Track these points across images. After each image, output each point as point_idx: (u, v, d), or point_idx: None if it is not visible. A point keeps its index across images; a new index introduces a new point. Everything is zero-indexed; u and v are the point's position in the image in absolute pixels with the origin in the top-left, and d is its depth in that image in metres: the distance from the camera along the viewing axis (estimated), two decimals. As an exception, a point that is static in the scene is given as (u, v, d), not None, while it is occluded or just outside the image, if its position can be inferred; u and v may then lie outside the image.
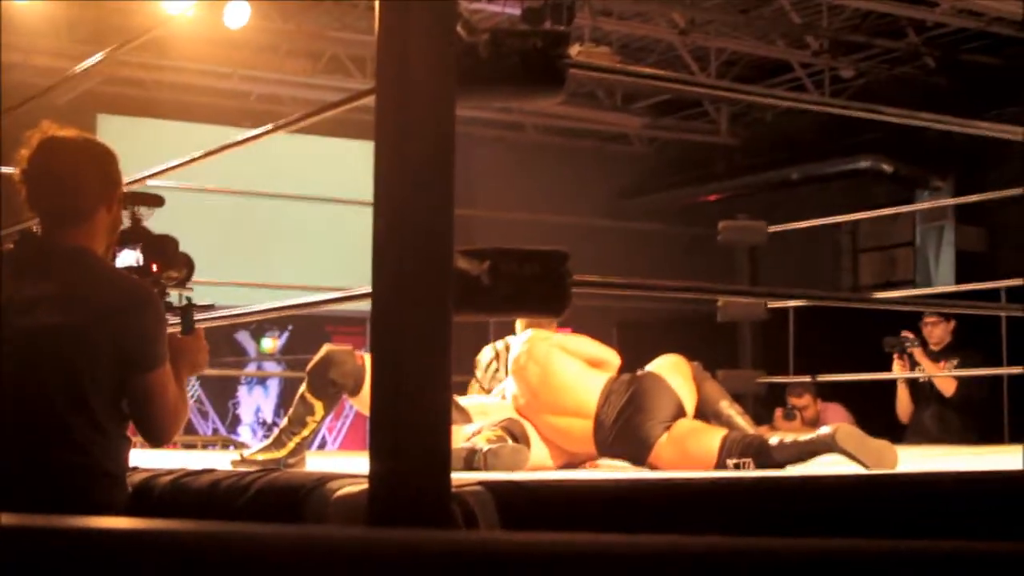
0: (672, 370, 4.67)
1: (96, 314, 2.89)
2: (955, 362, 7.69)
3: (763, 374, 7.18)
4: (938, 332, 7.85)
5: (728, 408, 4.71)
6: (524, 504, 2.63)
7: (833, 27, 10.92)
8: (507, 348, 5.44)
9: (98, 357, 2.88)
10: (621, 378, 4.63)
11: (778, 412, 7.95)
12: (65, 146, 3.05)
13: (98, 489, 2.89)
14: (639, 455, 4.46)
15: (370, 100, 2.39)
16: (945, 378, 7.67)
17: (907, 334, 7.71)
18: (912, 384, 7.90)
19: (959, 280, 10.99)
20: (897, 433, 7.43)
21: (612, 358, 4.85)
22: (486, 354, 5.63)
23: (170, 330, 3.11)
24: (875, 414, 7.61)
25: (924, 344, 7.80)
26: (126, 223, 3.24)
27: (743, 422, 4.68)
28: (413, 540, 1.07)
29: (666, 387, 4.54)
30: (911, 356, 7.70)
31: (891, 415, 7.91)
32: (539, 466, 4.56)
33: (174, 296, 3.36)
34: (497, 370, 5.55)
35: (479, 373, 5.60)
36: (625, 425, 4.48)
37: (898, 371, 7.75)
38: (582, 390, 4.63)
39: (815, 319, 8.15)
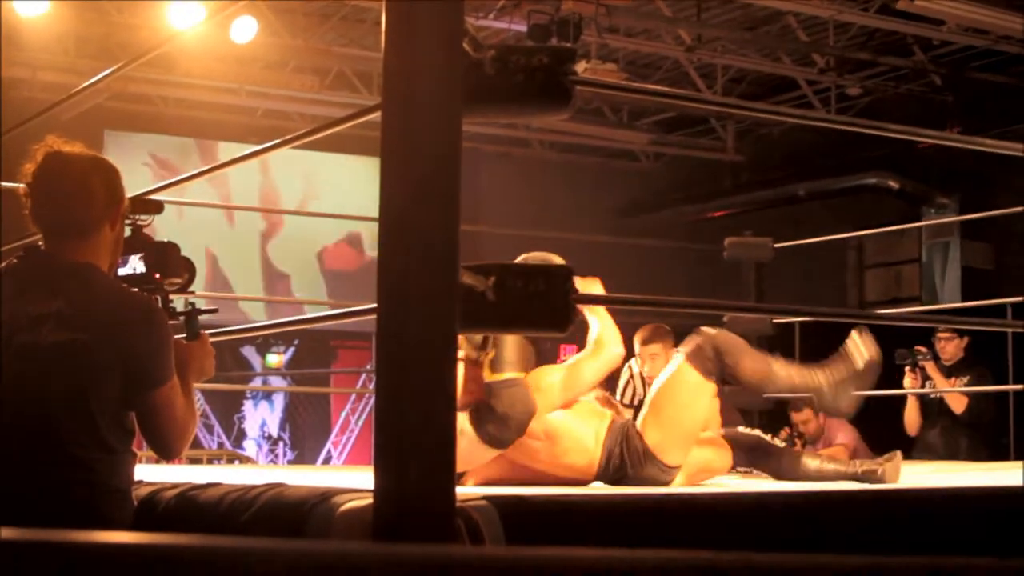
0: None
1: (102, 331, 2.87)
2: (966, 379, 7.67)
3: (769, 390, 7.18)
4: (951, 348, 7.83)
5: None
6: (529, 519, 2.63)
7: (839, 45, 10.93)
8: (640, 373, 6.14)
9: (104, 374, 2.86)
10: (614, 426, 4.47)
11: (782, 434, 7.94)
12: (71, 161, 3.02)
13: (103, 504, 2.88)
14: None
15: (377, 116, 2.39)
16: (955, 395, 7.65)
17: (920, 348, 7.69)
18: (921, 399, 7.88)
19: (965, 297, 10.97)
20: (904, 447, 7.42)
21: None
22: (623, 376, 6.24)
23: (175, 336, 3.08)
24: (881, 429, 7.60)
25: (936, 359, 7.78)
26: (127, 232, 3.22)
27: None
28: (417, 555, 1.07)
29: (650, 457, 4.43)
30: (923, 370, 7.68)
31: (897, 429, 7.89)
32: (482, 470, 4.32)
33: (178, 302, 3.33)
34: (634, 389, 6.22)
35: (617, 395, 6.15)
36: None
37: (909, 384, 7.73)
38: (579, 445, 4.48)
39: (821, 335, 8.13)
